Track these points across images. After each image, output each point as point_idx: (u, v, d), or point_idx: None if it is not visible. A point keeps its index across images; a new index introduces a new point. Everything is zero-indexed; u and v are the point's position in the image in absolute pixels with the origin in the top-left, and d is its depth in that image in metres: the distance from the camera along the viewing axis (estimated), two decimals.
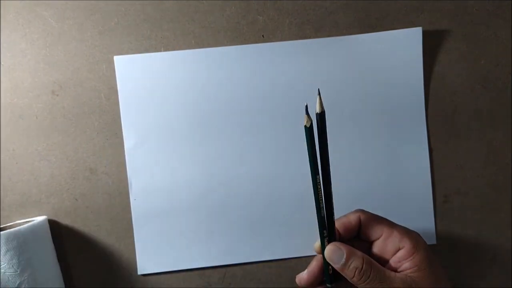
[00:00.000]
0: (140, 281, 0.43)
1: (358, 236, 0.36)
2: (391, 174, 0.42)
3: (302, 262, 0.43)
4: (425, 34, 0.42)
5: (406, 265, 0.32)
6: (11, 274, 0.36)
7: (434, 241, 0.43)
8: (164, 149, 0.42)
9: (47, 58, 0.42)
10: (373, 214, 0.35)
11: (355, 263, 0.32)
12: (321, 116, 0.32)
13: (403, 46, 0.42)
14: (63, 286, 0.42)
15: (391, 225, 0.34)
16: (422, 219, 0.43)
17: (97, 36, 0.42)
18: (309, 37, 0.42)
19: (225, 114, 0.42)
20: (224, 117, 0.42)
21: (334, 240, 0.34)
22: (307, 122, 0.31)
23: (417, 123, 0.42)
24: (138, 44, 0.42)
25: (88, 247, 0.43)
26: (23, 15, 0.42)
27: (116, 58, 0.42)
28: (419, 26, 0.42)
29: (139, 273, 0.42)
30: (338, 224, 0.35)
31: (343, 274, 0.33)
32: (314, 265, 0.35)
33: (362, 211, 0.36)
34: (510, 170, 0.43)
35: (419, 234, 0.34)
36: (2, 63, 0.42)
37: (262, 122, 0.42)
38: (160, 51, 0.42)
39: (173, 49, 0.42)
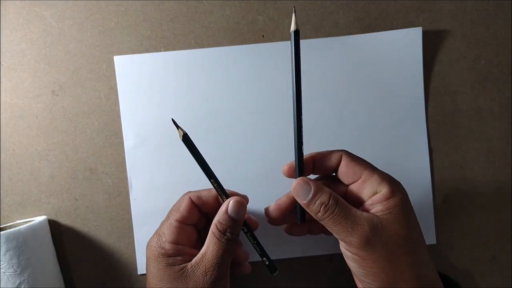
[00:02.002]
0: (140, 281, 0.43)
1: (336, 177, 0.35)
2: (391, 174, 0.42)
3: (302, 262, 0.43)
4: (425, 34, 0.42)
5: (378, 207, 0.31)
6: (11, 274, 0.36)
7: (434, 241, 0.43)
8: (164, 149, 0.42)
9: (47, 58, 0.42)
10: (357, 156, 0.34)
11: (321, 198, 0.31)
12: (295, 34, 0.31)
13: (403, 46, 0.42)
14: (63, 286, 0.42)
15: (372, 168, 0.33)
16: (422, 219, 0.42)
17: (97, 36, 0.42)
18: (309, 37, 0.42)
19: (225, 114, 0.42)
20: (224, 117, 0.42)
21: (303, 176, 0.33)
22: (180, 135, 0.32)
23: (417, 123, 0.42)
24: (138, 44, 0.42)
25: (88, 247, 0.43)
26: (23, 15, 0.42)
27: (116, 58, 0.42)
28: (419, 26, 0.42)
29: (139, 273, 0.42)
30: (318, 156, 0.34)
31: (309, 211, 0.32)
32: (283, 199, 0.35)
33: (346, 151, 0.34)
34: (510, 170, 0.43)
35: (400, 184, 0.33)
36: (2, 63, 0.42)
37: (262, 122, 0.42)
38: (160, 51, 0.42)
39: (173, 49, 0.42)
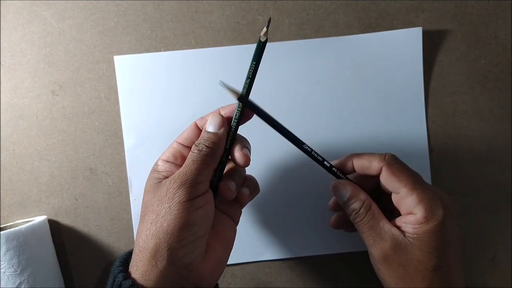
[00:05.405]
0: None
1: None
2: None
3: (302, 262, 0.43)
4: (425, 34, 0.42)
5: (408, 228, 0.31)
6: (11, 274, 0.36)
7: None
8: (164, 149, 0.42)
9: (47, 58, 0.42)
10: (399, 169, 0.32)
11: (354, 205, 0.32)
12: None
13: (403, 46, 0.42)
14: (63, 286, 0.42)
15: (412, 186, 0.31)
16: None
17: (97, 36, 0.42)
18: (309, 37, 0.42)
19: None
20: None
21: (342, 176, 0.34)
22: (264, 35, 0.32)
23: (417, 123, 0.42)
24: (138, 44, 0.42)
25: (88, 247, 0.43)
26: (23, 15, 0.42)
27: (116, 58, 0.42)
28: (419, 26, 0.42)
29: None
30: (358, 161, 0.34)
31: (345, 209, 0.34)
32: (332, 201, 0.38)
33: (388, 161, 0.32)
34: (510, 170, 0.43)
35: (441, 207, 0.30)
36: (2, 63, 0.42)
37: (262, 122, 0.42)
38: (160, 51, 0.42)
39: (173, 49, 0.42)
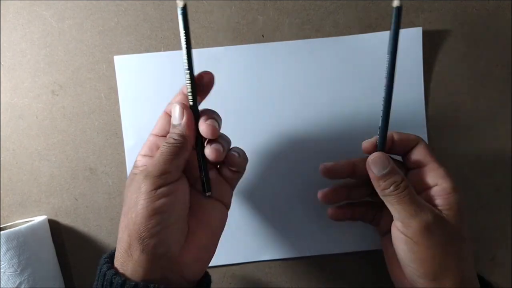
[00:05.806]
0: None
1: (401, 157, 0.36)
2: None
3: (302, 262, 0.43)
4: (425, 34, 0.42)
5: (439, 201, 0.32)
6: (11, 274, 0.36)
7: None
8: None
9: (47, 58, 0.42)
10: (431, 152, 0.35)
11: (395, 177, 0.32)
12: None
13: (403, 46, 0.42)
14: (63, 286, 0.42)
15: (440, 163, 0.34)
16: None
17: (97, 36, 0.42)
18: (309, 37, 0.42)
19: (224, 114, 0.42)
20: (224, 117, 0.42)
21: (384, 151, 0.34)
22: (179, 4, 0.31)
23: (417, 123, 0.42)
24: (138, 44, 0.42)
25: (88, 247, 0.43)
26: (23, 15, 0.42)
27: (116, 58, 0.42)
28: (419, 26, 0.42)
29: None
30: (398, 136, 0.35)
31: (376, 185, 0.33)
32: (342, 161, 0.36)
33: (424, 144, 0.35)
34: (510, 170, 0.43)
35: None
36: (2, 63, 0.42)
37: (262, 122, 0.42)
38: (160, 51, 0.42)
39: (173, 49, 0.42)
